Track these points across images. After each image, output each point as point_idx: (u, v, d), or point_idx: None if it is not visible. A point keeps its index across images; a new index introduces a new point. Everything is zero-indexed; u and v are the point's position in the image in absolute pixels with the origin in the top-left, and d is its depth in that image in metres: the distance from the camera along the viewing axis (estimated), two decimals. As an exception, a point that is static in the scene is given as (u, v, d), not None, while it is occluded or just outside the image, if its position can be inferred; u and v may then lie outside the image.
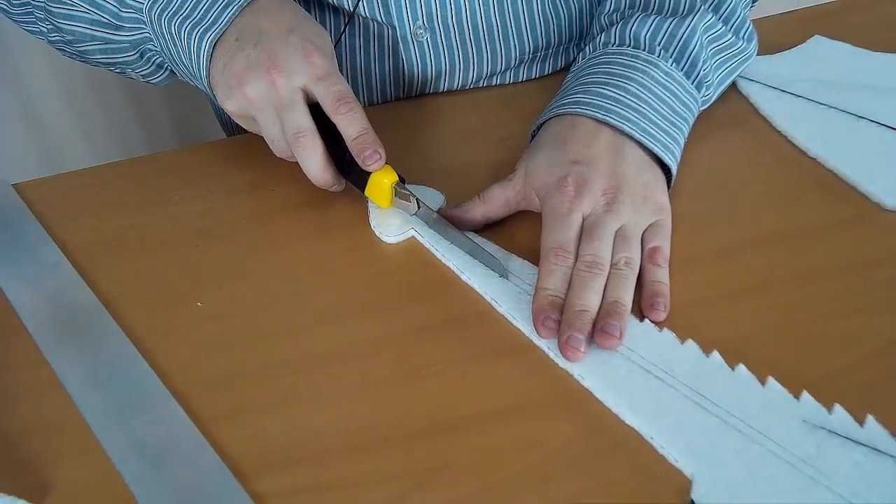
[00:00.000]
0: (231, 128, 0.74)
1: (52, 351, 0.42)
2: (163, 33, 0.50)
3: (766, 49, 0.60)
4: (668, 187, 0.48)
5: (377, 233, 0.48)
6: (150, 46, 0.53)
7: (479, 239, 0.47)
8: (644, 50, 0.50)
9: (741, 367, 0.38)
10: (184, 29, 0.48)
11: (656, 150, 0.46)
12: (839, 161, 0.49)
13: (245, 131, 0.52)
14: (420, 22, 0.57)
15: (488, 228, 0.48)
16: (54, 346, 0.42)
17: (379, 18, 0.57)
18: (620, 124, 0.46)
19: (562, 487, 0.34)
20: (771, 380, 0.37)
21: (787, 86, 0.56)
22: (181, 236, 0.49)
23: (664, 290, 0.42)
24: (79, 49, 0.55)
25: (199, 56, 0.48)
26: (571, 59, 0.63)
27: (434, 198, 0.50)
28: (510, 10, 0.58)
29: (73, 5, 0.51)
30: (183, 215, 0.51)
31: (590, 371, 0.39)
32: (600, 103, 0.47)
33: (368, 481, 0.35)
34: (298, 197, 0.51)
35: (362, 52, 0.60)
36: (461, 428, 0.37)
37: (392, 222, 0.48)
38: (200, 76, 0.49)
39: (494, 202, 0.47)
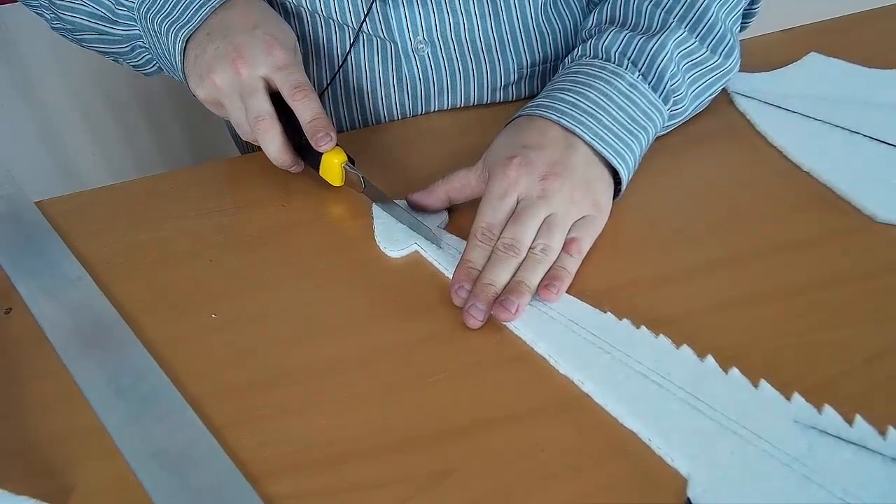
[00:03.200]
0: (243, 145, 0.76)
1: (74, 361, 0.44)
2: (148, 30, 0.56)
3: (763, 66, 0.62)
4: (619, 194, 0.50)
5: (382, 247, 0.49)
6: (140, 42, 0.59)
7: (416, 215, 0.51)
8: (612, 63, 0.52)
9: (734, 371, 0.39)
10: (164, 26, 0.54)
11: (605, 153, 0.48)
12: (833, 175, 0.50)
13: (257, 148, 0.55)
14: (420, 37, 0.60)
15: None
16: (76, 356, 0.44)
17: (381, 35, 0.59)
18: (573, 126, 0.48)
19: (563, 490, 0.35)
20: (763, 382, 0.38)
21: (783, 102, 0.58)
22: (196, 250, 0.51)
23: (563, 276, 0.45)
24: (77, 37, 0.62)
25: (174, 49, 0.54)
26: None
27: (437, 213, 0.52)
28: (506, 25, 0.60)
29: None
30: (197, 230, 0.53)
31: (589, 376, 0.40)
32: (557, 106, 0.50)
33: (375, 485, 0.36)
34: (308, 213, 0.53)
35: (367, 70, 0.62)
36: (466, 433, 0.38)
37: (396, 237, 0.50)
38: (176, 67, 0.55)
39: (455, 182, 0.51)
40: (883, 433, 0.36)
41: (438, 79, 0.62)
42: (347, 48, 0.61)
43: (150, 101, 1.12)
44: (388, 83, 0.62)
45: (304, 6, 0.59)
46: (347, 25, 0.59)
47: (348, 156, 0.52)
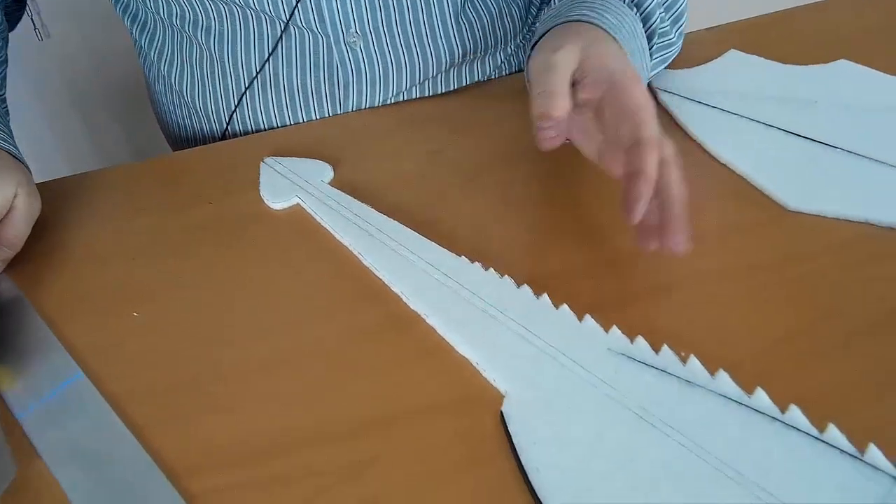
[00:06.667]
0: (175, 142, 0.75)
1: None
2: None
3: (687, 63, 0.64)
4: None
5: (265, 199, 0.52)
6: None
7: None
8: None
9: (564, 307, 0.43)
10: None
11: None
12: (748, 166, 0.52)
13: (189, 145, 0.54)
14: (353, 29, 0.60)
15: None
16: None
17: (314, 28, 0.59)
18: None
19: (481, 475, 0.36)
20: (587, 317, 0.42)
21: (704, 97, 0.59)
22: (120, 250, 0.51)
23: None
24: None
25: None
26: (499, 63, 0.68)
27: (323, 169, 0.54)
28: (437, 15, 0.62)
29: None
30: (122, 230, 0.52)
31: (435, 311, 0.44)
32: (607, 20, 0.49)
33: (298, 476, 0.37)
34: (233, 211, 0.53)
35: (298, 65, 0.62)
36: (389, 424, 0.39)
37: (279, 190, 0.53)
38: None
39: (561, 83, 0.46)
40: (684, 360, 0.39)
41: (371, 72, 0.62)
42: (278, 39, 0.61)
43: (85, 100, 1.11)
44: (318, 77, 0.62)
45: (235, 0, 0.58)
46: (279, 18, 0.59)
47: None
